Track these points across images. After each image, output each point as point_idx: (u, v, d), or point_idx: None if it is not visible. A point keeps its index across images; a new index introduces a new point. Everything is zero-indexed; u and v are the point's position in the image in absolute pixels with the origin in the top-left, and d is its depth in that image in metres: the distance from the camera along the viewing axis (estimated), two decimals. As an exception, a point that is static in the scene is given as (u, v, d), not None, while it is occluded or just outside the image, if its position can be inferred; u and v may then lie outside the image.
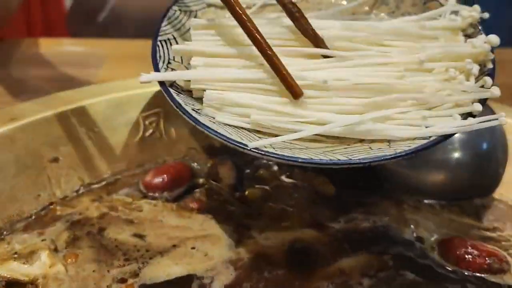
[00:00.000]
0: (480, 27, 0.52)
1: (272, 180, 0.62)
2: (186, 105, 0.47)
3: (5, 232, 0.53)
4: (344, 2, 0.60)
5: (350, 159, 0.43)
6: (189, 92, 0.50)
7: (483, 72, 0.50)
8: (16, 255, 0.49)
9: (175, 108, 0.47)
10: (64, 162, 0.58)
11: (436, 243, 0.53)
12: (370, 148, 0.45)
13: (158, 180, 0.59)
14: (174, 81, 0.50)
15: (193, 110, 0.47)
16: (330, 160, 0.43)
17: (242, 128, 0.47)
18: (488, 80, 0.47)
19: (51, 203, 0.57)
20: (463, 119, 0.45)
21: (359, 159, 0.43)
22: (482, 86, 0.48)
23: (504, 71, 0.60)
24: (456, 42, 0.52)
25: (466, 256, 0.50)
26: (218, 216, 0.56)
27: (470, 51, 0.50)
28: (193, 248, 0.52)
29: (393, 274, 0.50)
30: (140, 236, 0.53)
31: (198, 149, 0.66)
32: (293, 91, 0.46)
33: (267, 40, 0.48)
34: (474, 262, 0.50)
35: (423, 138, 0.45)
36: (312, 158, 0.43)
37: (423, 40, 0.52)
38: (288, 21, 0.52)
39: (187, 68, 0.52)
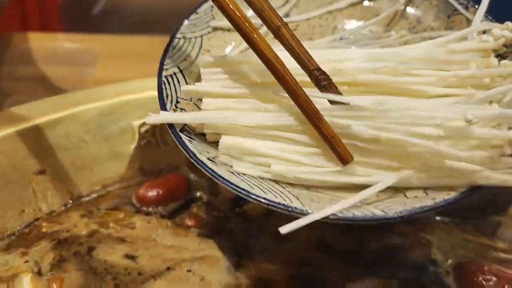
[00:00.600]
0: None
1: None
2: (201, 153, 0.43)
3: (-15, 252, 0.49)
4: (361, 23, 0.56)
5: (386, 214, 0.39)
6: (201, 135, 0.46)
7: None
8: (-4, 279, 0.46)
9: (189, 158, 0.42)
10: (51, 174, 0.54)
11: (451, 267, 0.50)
12: (406, 196, 0.41)
13: (152, 193, 0.56)
14: (185, 124, 0.46)
15: (208, 159, 0.43)
16: (366, 215, 0.39)
17: (262, 178, 0.43)
18: None
19: (37, 219, 0.53)
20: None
21: (395, 212, 0.39)
22: None
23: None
24: (489, 66, 0.48)
25: (485, 283, 0.47)
26: (216, 234, 0.52)
27: (500, 72, 0.46)
28: (189, 271, 0.48)
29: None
30: (132, 257, 0.50)
31: (196, 159, 0.62)
32: (341, 158, 0.41)
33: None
34: (492, 289, 0.46)
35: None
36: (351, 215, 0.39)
37: (452, 65, 0.48)
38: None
39: (197, 107, 0.48)
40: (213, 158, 0.43)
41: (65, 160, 0.55)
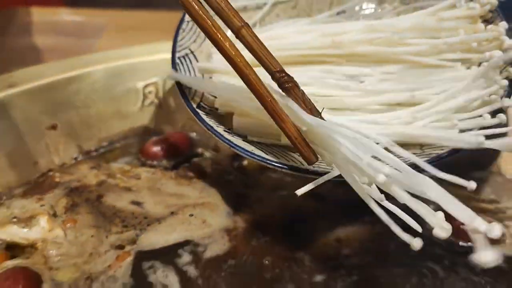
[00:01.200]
0: (499, 11, 0.52)
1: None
2: (218, 126, 0.48)
3: (4, 197, 0.53)
4: None
5: None
6: (215, 109, 0.51)
7: (506, 62, 0.49)
8: (15, 220, 0.50)
9: (207, 130, 0.47)
10: (62, 129, 0.58)
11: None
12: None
13: (156, 148, 0.60)
14: (201, 101, 0.50)
15: (225, 131, 0.47)
16: None
17: (273, 145, 0.48)
18: None
19: (50, 170, 0.57)
20: (493, 117, 0.45)
21: None
22: (507, 78, 0.48)
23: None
24: (476, 32, 0.52)
25: (461, 227, 0.51)
26: (216, 185, 0.56)
27: (487, 37, 0.50)
28: (191, 215, 0.52)
29: (387, 241, 0.50)
30: (138, 204, 0.53)
31: (196, 119, 0.66)
32: (305, 158, 0.43)
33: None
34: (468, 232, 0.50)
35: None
36: None
37: (443, 32, 0.52)
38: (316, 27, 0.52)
39: None
40: (228, 129, 0.48)
41: (75, 117, 0.59)
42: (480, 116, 0.46)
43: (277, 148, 0.48)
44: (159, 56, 0.64)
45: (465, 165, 0.60)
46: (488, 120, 0.46)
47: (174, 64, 0.52)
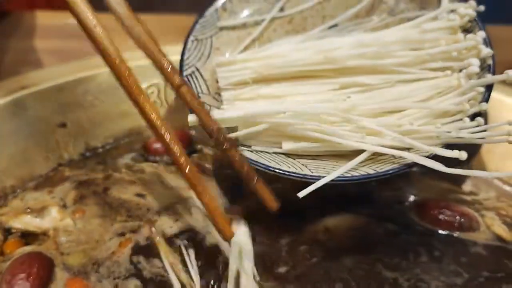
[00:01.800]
0: (478, 21, 0.56)
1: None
2: None
3: (18, 190, 0.57)
4: (346, 11, 0.64)
5: (378, 172, 0.48)
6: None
7: (483, 69, 0.54)
8: (28, 210, 0.54)
9: None
10: (71, 127, 0.63)
11: (413, 204, 0.58)
12: (394, 156, 0.50)
13: (158, 145, 0.64)
14: None
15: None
16: (362, 175, 0.48)
17: (275, 153, 0.53)
18: (495, 80, 0.52)
19: (60, 165, 0.62)
20: (472, 120, 0.50)
21: (385, 170, 0.48)
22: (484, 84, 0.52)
23: (500, 49, 0.64)
24: (456, 42, 0.56)
25: (440, 216, 0.55)
26: (214, 178, 0.60)
27: (466, 46, 0.54)
28: (192, 206, 0.56)
29: (373, 230, 0.54)
30: (142, 196, 0.58)
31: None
32: (224, 234, 0.47)
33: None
34: (446, 221, 0.54)
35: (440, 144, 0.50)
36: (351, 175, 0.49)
37: (426, 43, 0.56)
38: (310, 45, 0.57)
39: (215, 99, 0.57)
40: None
41: (83, 116, 0.64)
42: (461, 119, 0.51)
43: (277, 155, 0.53)
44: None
45: (447, 159, 0.65)
46: (467, 123, 0.50)
47: None
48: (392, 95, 0.54)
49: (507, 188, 0.62)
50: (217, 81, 0.58)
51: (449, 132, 0.49)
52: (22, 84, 0.60)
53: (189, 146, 0.66)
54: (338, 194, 0.59)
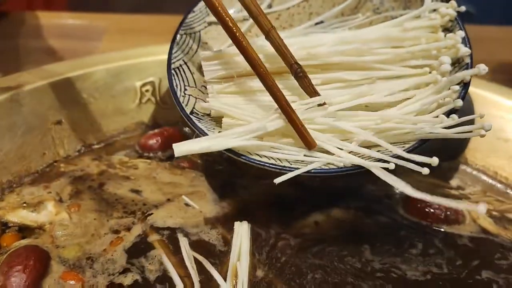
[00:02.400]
0: (458, 20, 0.58)
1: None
2: (209, 130, 0.53)
3: (14, 185, 0.59)
4: (332, 8, 0.65)
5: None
6: (207, 115, 0.57)
7: (461, 67, 0.55)
8: (25, 205, 0.55)
9: (199, 134, 0.53)
10: (67, 124, 0.64)
11: (401, 198, 0.59)
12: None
13: (152, 141, 0.65)
14: (194, 107, 0.56)
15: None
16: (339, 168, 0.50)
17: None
18: (466, 75, 0.53)
19: (55, 161, 0.63)
20: (447, 116, 0.51)
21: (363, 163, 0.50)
22: (461, 82, 0.53)
23: (483, 48, 0.65)
24: (437, 40, 0.57)
25: (426, 209, 0.56)
26: (206, 174, 0.62)
27: (445, 45, 0.56)
28: (186, 204, 0.57)
29: (361, 223, 0.56)
30: (137, 191, 0.59)
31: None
32: (308, 143, 0.51)
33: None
34: (432, 214, 0.56)
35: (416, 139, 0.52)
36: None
37: (407, 41, 0.57)
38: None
39: (201, 92, 0.59)
40: (219, 133, 0.54)
41: (78, 113, 0.65)
42: (437, 116, 0.52)
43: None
44: (155, 58, 0.69)
45: (435, 155, 0.66)
46: (444, 119, 0.51)
47: (170, 75, 0.58)
48: (369, 91, 0.55)
49: (493, 182, 0.63)
50: (203, 75, 0.59)
51: (422, 128, 0.51)
52: (19, 82, 0.62)
53: (183, 142, 0.67)
54: (327, 189, 0.61)
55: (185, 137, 0.68)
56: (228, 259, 0.49)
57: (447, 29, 0.58)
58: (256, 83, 0.55)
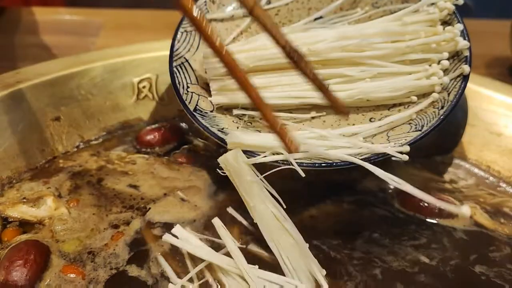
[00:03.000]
0: (456, 13, 0.58)
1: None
2: (212, 126, 0.54)
3: (14, 181, 0.59)
4: (331, 3, 0.66)
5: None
6: (210, 112, 0.58)
7: (460, 60, 0.56)
8: (25, 200, 0.56)
9: (203, 130, 0.54)
10: (65, 121, 0.65)
11: (396, 192, 0.60)
12: (372, 143, 0.53)
13: (150, 137, 0.66)
14: (197, 104, 0.57)
15: (219, 131, 0.54)
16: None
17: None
18: (466, 68, 0.55)
19: (54, 157, 0.64)
20: None
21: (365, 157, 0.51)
22: (461, 75, 0.55)
23: (480, 42, 0.66)
24: (435, 34, 0.58)
25: (421, 203, 0.57)
26: (203, 169, 0.62)
27: (444, 38, 0.57)
28: (182, 199, 0.58)
29: (356, 216, 0.57)
30: (135, 186, 0.60)
31: (187, 110, 0.72)
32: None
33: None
34: (427, 208, 0.57)
35: (416, 131, 0.54)
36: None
37: (406, 35, 0.58)
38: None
39: (203, 89, 0.60)
40: (222, 129, 0.55)
41: (77, 109, 0.66)
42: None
43: None
44: (152, 54, 0.70)
45: (429, 149, 0.67)
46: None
47: (172, 74, 0.58)
48: (368, 87, 0.56)
49: (486, 176, 0.64)
50: (205, 72, 0.60)
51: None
52: (17, 79, 0.62)
53: (181, 138, 0.68)
54: (323, 184, 0.61)
55: (182, 132, 0.69)
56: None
57: (445, 23, 0.59)
58: (258, 80, 0.56)
